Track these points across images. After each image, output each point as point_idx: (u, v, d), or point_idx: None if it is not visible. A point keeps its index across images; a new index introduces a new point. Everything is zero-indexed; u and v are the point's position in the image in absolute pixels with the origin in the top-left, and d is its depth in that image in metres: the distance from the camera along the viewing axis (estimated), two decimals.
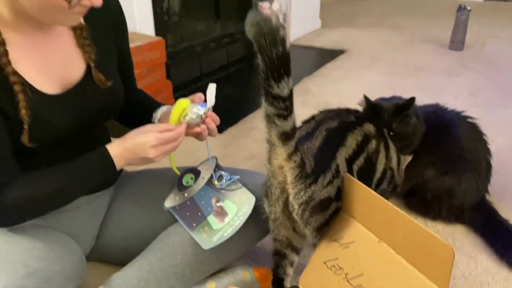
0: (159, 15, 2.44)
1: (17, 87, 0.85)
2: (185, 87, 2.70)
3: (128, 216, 1.17)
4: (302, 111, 2.51)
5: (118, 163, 0.95)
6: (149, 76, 2.08)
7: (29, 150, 0.91)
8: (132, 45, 1.15)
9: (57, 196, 0.94)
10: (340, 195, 0.97)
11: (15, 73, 0.85)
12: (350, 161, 1.05)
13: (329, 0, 5.42)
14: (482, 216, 1.43)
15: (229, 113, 2.39)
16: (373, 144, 1.14)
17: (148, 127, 0.97)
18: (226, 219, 1.04)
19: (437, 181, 1.43)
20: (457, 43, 3.43)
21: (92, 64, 0.99)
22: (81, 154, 1.02)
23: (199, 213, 1.06)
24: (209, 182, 1.09)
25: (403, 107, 1.33)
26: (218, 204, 1.06)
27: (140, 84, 1.26)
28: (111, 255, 1.20)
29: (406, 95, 1.38)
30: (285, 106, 0.85)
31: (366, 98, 1.38)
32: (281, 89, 0.83)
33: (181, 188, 1.09)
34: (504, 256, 1.30)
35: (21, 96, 0.86)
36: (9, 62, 0.84)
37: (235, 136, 2.14)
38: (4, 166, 0.87)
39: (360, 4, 5.56)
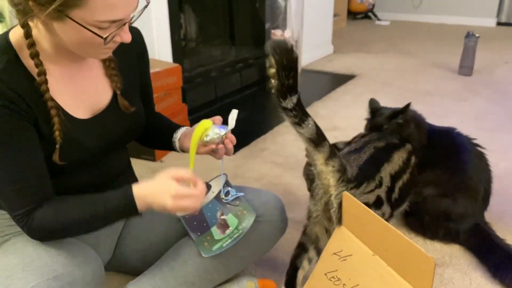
0: (177, 42, 2.58)
1: (53, 112, 0.96)
2: (200, 110, 2.82)
3: (143, 230, 1.26)
4: None
5: (140, 206, 1.00)
6: (166, 100, 2.21)
7: (58, 168, 1.01)
8: (151, 71, 1.26)
9: (81, 226, 1.02)
10: (379, 203, 1.18)
11: (52, 99, 0.96)
12: (395, 177, 1.25)
13: (341, 25, 5.57)
14: (478, 236, 1.49)
15: (241, 135, 2.46)
16: (413, 159, 1.36)
17: (171, 172, 1.02)
18: (227, 231, 1.13)
19: (434, 202, 1.51)
20: (466, 68, 3.51)
21: (118, 92, 1.10)
22: (104, 173, 1.13)
23: (205, 224, 1.15)
24: (218, 196, 1.18)
25: (399, 112, 1.49)
26: (222, 217, 1.14)
27: (157, 108, 1.37)
28: (127, 265, 1.29)
29: None
30: (293, 115, 1.07)
31: (371, 101, 1.59)
32: (286, 104, 1.05)
33: None
34: (496, 275, 1.36)
35: (56, 119, 0.96)
36: (48, 90, 0.95)
37: (247, 156, 2.24)
38: (42, 184, 0.97)
39: (373, 30, 5.68)
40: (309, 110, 3.22)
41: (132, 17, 0.95)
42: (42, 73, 0.93)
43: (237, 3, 3.18)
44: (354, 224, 0.96)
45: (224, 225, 1.13)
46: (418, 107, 1.76)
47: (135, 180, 1.31)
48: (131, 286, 1.16)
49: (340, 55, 4.31)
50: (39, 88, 0.94)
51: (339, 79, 3.51)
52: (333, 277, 1.00)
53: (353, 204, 0.95)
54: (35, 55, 0.92)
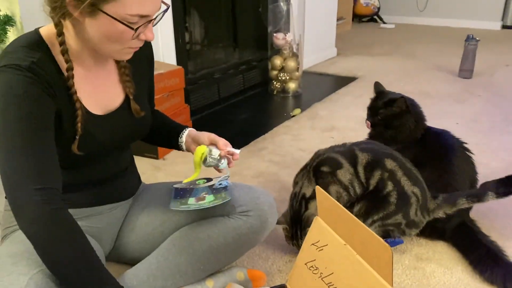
0: (181, 45, 2.67)
1: (78, 104, 1.05)
2: (203, 111, 2.92)
3: (142, 223, 1.33)
4: (311, 134, 2.69)
5: None
6: (169, 101, 2.30)
7: (68, 163, 1.10)
8: (155, 72, 1.33)
9: (59, 265, 0.96)
10: None
11: (76, 93, 1.06)
12: None
13: (346, 28, 5.62)
14: (462, 233, 1.56)
15: (242, 134, 2.58)
16: None
17: None
18: (200, 202, 1.21)
19: None
20: (466, 71, 3.56)
21: (131, 97, 1.18)
22: (109, 169, 1.23)
23: (188, 195, 1.26)
24: (211, 186, 1.28)
25: (394, 100, 1.69)
26: (203, 195, 1.24)
27: (160, 108, 1.45)
28: (127, 256, 1.37)
29: None
30: None
31: (376, 84, 1.81)
32: None
33: (192, 183, 1.31)
34: (477, 269, 1.43)
35: (79, 112, 1.06)
36: (73, 84, 1.04)
37: (246, 155, 2.32)
38: (57, 169, 1.01)
39: (377, 33, 5.74)
40: (309, 111, 3.29)
41: (156, 17, 1.03)
42: (71, 68, 1.03)
43: (241, 7, 3.27)
44: (327, 216, 1.04)
45: (201, 198, 1.23)
46: None
47: (137, 176, 1.40)
48: (128, 274, 1.24)
49: (343, 57, 4.38)
50: (66, 82, 1.03)
51: (341, 81, 3.58)
52: (312, 266, 1.08)
53: (324, 197, 1.03)
54: (66, 52, 1.02)
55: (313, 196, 1.48)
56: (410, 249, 1.56)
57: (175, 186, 1.33)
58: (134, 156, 1.38)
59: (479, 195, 1.46)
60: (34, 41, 1.03)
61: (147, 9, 0.98)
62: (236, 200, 1.27)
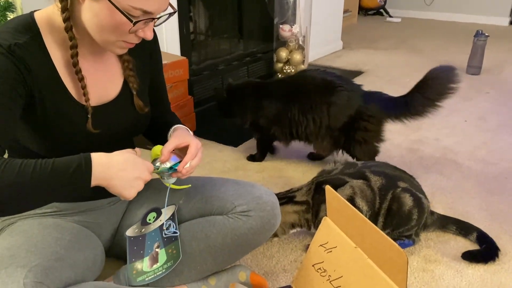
0: (185, 36, 2.62)
1: (83, 83, 1.03)
2: (207, 102, 2.87)
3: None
4: None
5: (97, 172, 0.92)
6: (172, 92, 2.25)
7: (62, 153, 1.05)
8: None
9: (15, 191, 0.86)
10: None
11: (81, 71, 1.03)
12: None
13: (352, 21, 5.55)
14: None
15: (245, 128, 2.53)
16: None
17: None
18: (154, 266, 1.14)
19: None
20: (474, 67, 3.50)
21: (134, 92, 1.14)
22: None
23: (142, 251, 1.16)
24: (161, 227, 1.19)
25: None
26: (156, 249, 1.15)
27: None
28: (124, 252, 1.34)
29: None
30: None
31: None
32: None
33: (144, 223, 1.19)
34: None
35: (86, 91, 1.03)
36: (78, 62, 1.01)
37: (249, 150, 2.27)
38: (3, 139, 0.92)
39: (383, 27, 5.66)
40: None
41: (159, 18, 0.98)
42: (75, 46, 0.99)
43: None
44: (337, 217, 1.00)
45: (154, 259, 1.14)
46: None
47: None
48: (123, 270, 1.21)
49: (349, 51, 4.32)
50: (54, 69, 1.00)
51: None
52: (319, 268, 1.04)
53: (334, 198, 0.98)
54: (70, 29, 0.97)
55: (296, 202, 1.52)
56: (418, 250, 1.52)
57: (128, 235, 1.17)
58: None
59: (466, 230, 1.59)
60: (26, 23, 0.99)
61: (152, 6, 0.93)
62: (237, 198, 1.21)
